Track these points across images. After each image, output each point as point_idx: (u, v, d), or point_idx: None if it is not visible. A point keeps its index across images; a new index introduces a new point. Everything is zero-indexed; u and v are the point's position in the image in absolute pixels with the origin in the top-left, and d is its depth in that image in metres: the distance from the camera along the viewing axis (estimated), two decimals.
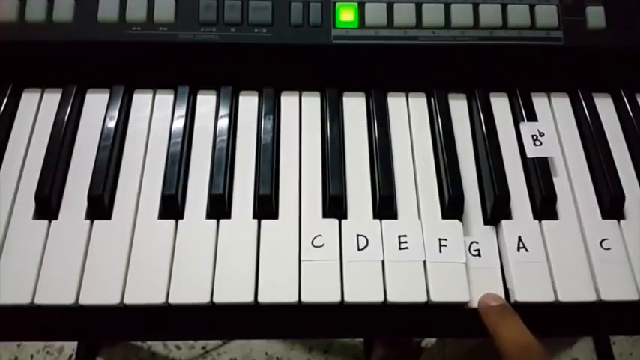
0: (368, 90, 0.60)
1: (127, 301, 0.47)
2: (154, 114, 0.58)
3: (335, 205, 0.52)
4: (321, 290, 0.48)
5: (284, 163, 0.55)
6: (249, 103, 0.59)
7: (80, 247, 0.49)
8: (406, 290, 0.49)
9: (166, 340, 1.34)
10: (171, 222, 0.51)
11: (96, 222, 0.51)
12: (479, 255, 0.51)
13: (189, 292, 0.47)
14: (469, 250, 0.51)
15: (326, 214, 0.52)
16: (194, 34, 0.56)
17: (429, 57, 0.59)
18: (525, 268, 0.50)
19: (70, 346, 1.36)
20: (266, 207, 0.52)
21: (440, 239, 0.51)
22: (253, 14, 0.57)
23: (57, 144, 0.54)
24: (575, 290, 0.50)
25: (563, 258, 0.51)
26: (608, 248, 0.51)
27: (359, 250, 0.50)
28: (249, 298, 0.47)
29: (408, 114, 0.59)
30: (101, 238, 0.50)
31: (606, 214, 0.54)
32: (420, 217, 0.53)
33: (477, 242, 0.52)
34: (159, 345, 1.37)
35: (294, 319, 0.50)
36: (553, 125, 0.59)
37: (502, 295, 0.49)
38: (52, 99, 0.58)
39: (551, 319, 0.51)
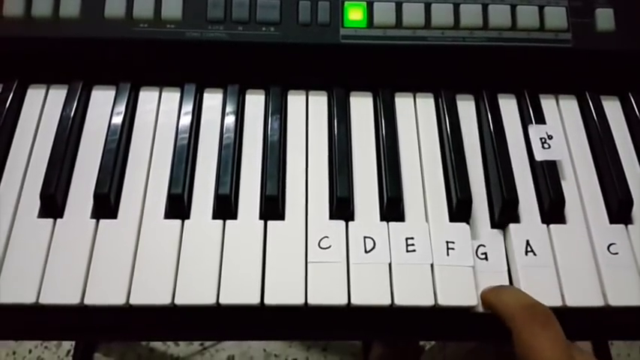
0: (375, 90, 0.60)
1: (133, 301, 0.46)
2: (161, 112, 0.57)
3: (342, 207, 0.52)
4: (327, 292, 0.48)
5: (291, 163, 0.55)
6: (255, 101, 0.59)
7: (85, 247, 0.49)
8: (413, 293, 0.48)
9: (170, 341, 1.33)
10: (178, 222, 0.50)
11: (102, 221, 0.50)
12: (486, 259, 0.51)
13: (196, 293, 0.47)
14: (476, 253, 0.51)
15: (333, 216, 0.52)
16: (201, 31, 0.56)
17: (438, 57, 0.59)
18: (533, 272, 0.50)
19: (68, 342, 1.35)
20: (273, 208, 0.52)
21: (447, 242, 0.51)
22: (261, 12, 0.57)
23: (62, 141, 0.53)
24: (583, 295, 0.49)
25: (571, 262, 0.51)
26: (616, 253, 0.51)
27: (366, 252, 0.50)
28: (256, 300, 0.47)
29: (416, 114, 0.59)
30: (107, 237, 0.49)
31: (614, 218, 0.54)
32: (427, 220, 0.53)
33: (484, 245, 0.51)
34: (157, 342, 1.37)
35: (300, 321, 0.50)
36: (561, 128, 0.59)
37: None
38: (58, 96, 0.57)
39: None
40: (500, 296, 0.47)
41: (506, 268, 0.51)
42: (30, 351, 1.35)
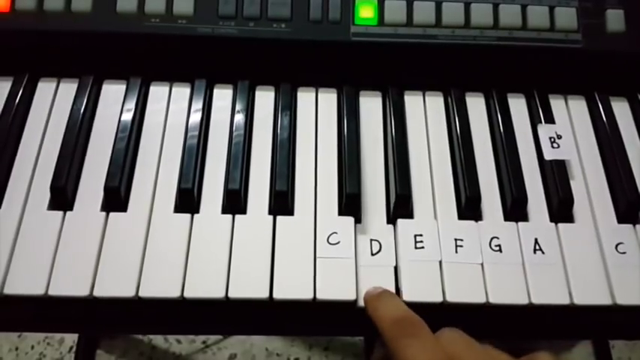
0: (385, 88, 0.60)
1: (142, 294, 0.47)
2: (171, 107, 0.57)
3: (351, 204, 0.52)
4: (336, 288, 0.48)
5: (300, 159, 0.55)
6: (265, 98, 0.59)
7: (95, 239, 0.49)
8: (422, 290, 0.48)
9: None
10: (187, 216, 0.50)
11: (111, 214, 0.50)
12: (500, 251, 0.51)
13: (205, 286, 0.47)
14: (490, 245, 0.51)
15: (342, 212, 0.52)
16: (213, 27, 0.56)
17: (448, 56, 0.59)
18: (541, 270, 0.50)
19: (71, 338, 1.35)
20: (282, 203, 0.52)
21: (456, 239, 0.51)
22: (272, 9, 0.57)
23: (73, 135, 0.53)
24: (591, 293, 0.49)
25: (579, 261, 0.51)
26: (624, 252, 0.51)
27: (373, 251, 0.50)
28: (265, 294, 0.47)
29: (425, 113, 0.59)
30: (116, 230, 0.50)
31: (622, 218, 0.54)
32: (436, 217, 0.53)
33: (497, 238, 0.51)
34: (159, 339, 1.36)
35: (308, 316, 0.50)
36: (570, 128, 0.59)
37: (519, 295, 0.49)
38: (68, 89, 0.57)
39: (560, 322, 0.51)
40: (376, 307, 0.46)
41: (520, 260, 0.50)
42: (32, 347, 1.35)
